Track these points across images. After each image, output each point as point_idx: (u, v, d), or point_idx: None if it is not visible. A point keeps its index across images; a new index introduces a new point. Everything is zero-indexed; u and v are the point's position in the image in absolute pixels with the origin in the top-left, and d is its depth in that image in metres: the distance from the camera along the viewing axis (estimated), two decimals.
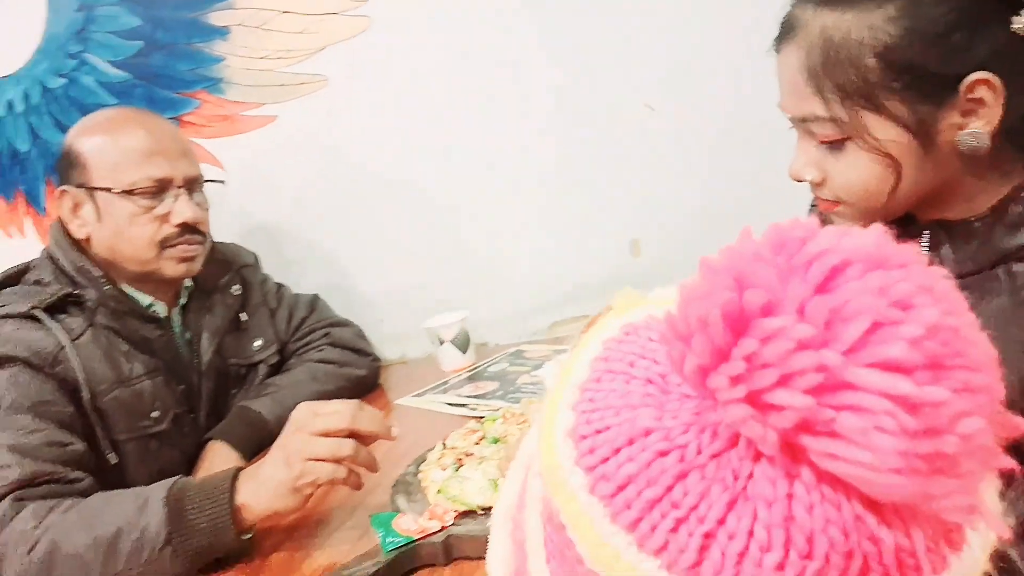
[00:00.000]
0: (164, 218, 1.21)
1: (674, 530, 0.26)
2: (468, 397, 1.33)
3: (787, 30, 0.75)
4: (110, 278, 1.22)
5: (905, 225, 0.81)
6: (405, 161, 1.68)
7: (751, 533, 0.26)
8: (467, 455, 0.96)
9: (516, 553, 0.37)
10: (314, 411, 0.91)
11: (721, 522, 0.26)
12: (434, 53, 1.62)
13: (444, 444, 1.02)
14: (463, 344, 1.53)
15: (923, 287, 0.25)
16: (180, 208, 1.21)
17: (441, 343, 1.53)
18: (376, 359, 1.58)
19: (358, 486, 0.91)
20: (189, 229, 1.23)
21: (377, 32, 1.61)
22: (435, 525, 0.82)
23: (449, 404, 1.33)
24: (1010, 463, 0.26)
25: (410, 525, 0.82)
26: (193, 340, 1.33)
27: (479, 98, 1.63)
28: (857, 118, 0.70)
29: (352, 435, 0.90)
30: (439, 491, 0.89)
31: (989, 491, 0.27)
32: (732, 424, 0.26)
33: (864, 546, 0.25)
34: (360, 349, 1.54)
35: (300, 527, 0.98)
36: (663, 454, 0.27)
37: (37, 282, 1.20)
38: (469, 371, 1.50)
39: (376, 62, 1.63)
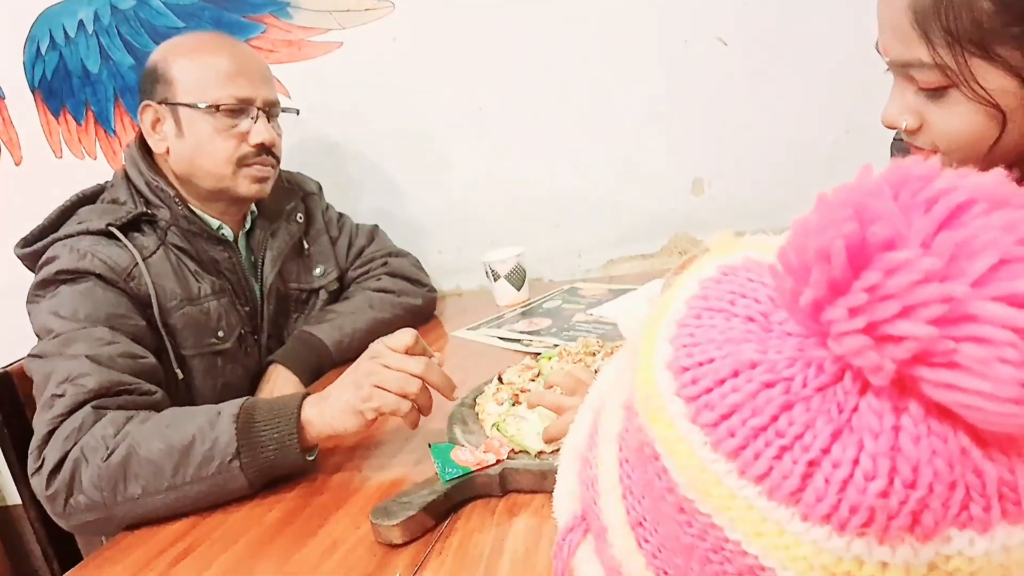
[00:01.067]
0: (243, 137, 1.25)
1: (778, 457, 0.27)
2: (522, 333, 1.34)
3: None
4: (182, 198, 1.26)
5: None
6: (468, 91, 1.67)
7: (856, 462, 0.26)
8: (522, 391, 0.97)
9: (584, 493, 0.38)
10: (391, 347, 0.95)
11: (826, 451, 0.26)
12: None
13: (500, 379, 1.04)
14: (518, 280, 1.54)
15: None
16: (258, 129, 1.25)
17: (496, 278, 1.54)
18: (432, 290, 1.60)
19: (414, 424, 0.94)
20: (265, 151, 1.27)
21: None
22: (491, 458, 0.84)
23: (503, 339, 1.34)
24: None
25: (468, 457, 0.84)
26: (257, 264, 1.37)
27: (545, 28, 1.60)
28: (965, 65, 0.66)
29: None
30: (495, 426, 0.91)
31: None
32: (847, 355, 0.27)
33: (968, 478, 0.26)
34: (417, 279, 1.56)
35: (359, 450, 1.02)
36: (769, 385, 0.28)
37: (113, 201, 1.24)
38: (523, 306, 1.51)
39: None
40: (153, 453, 0.93)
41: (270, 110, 1.28)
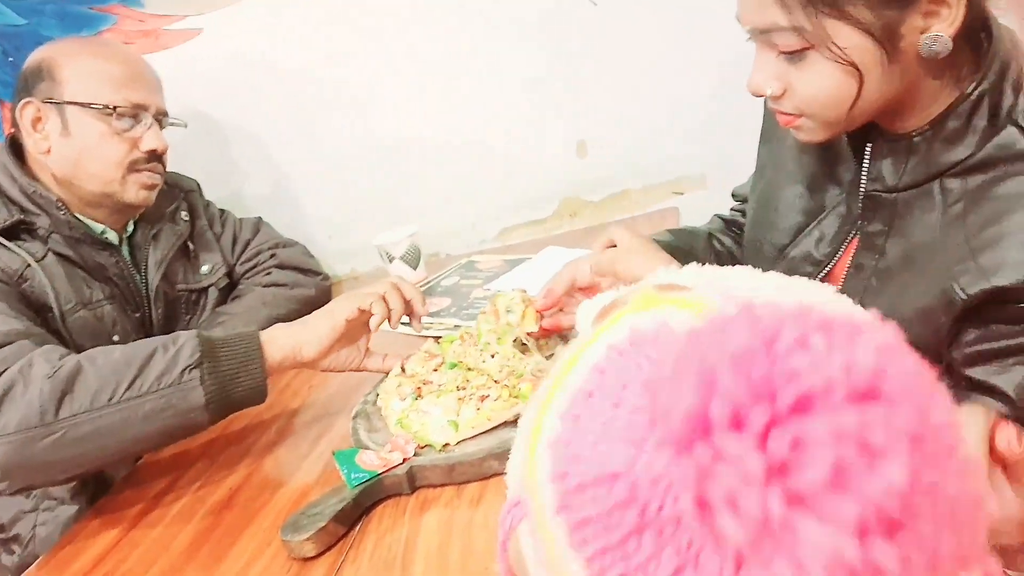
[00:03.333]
0: (134, 143, 1.22)
1: None
2: None
3: None
4: (64, 203, 1.20)
5: (853, 138, 0.81)
6: (343, 69, 1.62)
7: None
8: (425, 383, 0.97)
9: None
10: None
11: None
12: None
13: (403, 369, 1.03)
14: (413, 260, 1.53)
15: (904, 431, 0.23)
16: (151, 136, 1.23)
17: (391, 260, 1.53)
18: (326, 277, 1.57)
19: (378, 323, 1.03)
20: (155, 158, 1.25)
21: None
22: (397, 457, 0.84)
23: (404, 323, 1.33)
24: None
25: (373, 460, 0.84)
26: (140, 267, 1.32)
27: (417, 1, 1.57)
28: (820, 26, 0.68)
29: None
30: (399, 423, 0.91)
31: None
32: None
33: None
34: (308, 269, 1.53)
35: (264, 463, 1.01)
36: (624, 505, 0.28)
37: None
38: (422, 286, 1.50)
39: None
40: (111, 362, 0.90)
41: (161, 120, 1.27)
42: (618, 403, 0.30)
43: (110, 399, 0.88)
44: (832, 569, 0.22)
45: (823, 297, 0.39)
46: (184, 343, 0.93)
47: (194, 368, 0.91)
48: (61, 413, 0.87)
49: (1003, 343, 0.68)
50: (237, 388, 0.94)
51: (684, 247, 1.02)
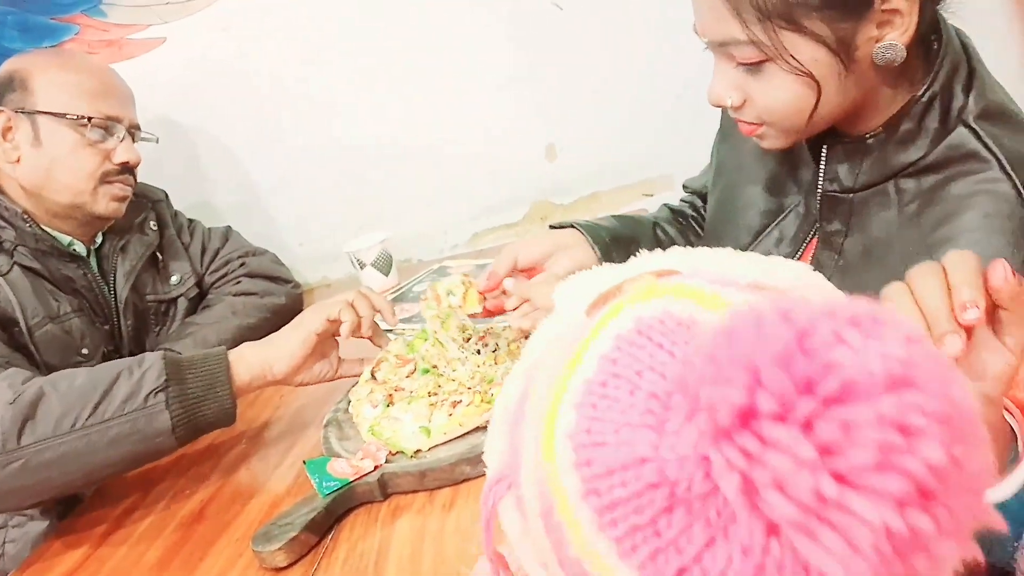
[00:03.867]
0: (106, 155, 1.22)
1: (652, 557, 0.29)
2: None
3: None
4: (30, 215, 1.19)
5: (810, 140, 0.83)
6: (311, 75, 1.62)
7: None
8: (397, 390, 0.97)
9: (511, 457, 0.39)
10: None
11: (697, 559, 0.28)
12: None
13: (374, 376, 1.03)
14: (385, 266, 1.53)
15: (938, 416, 0.25)
16: (124, 148, 1.24)
17: (362, 267, 1.53)
18: (297, 285, 1.56)
19: (350, 330, 1.01)
20: (127, 170, 1.25)
21: None
22: (369, 465, 0.85)
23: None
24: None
25: (345, 468, 0.84)
26: (109, 279, 1.31)
27: (385, 3, 1.57)
28: (777, 39, 0.69)
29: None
30: (371, 430, 0.91)
31: None
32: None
33: None
34: (278, 277, 1.52)
35: (234, 474, 1.00)
36: (654, 486, 0.29)
37: None
38: (393, 293, 1.50)
39: None
40: (75, 387, 0.89)
41: (134, 133, 1.27)
42: (634, 390, 0.31)
43: (73, 425, 0.87)
44: (878, 538, 0.24)
45: (802, 276, 0.41)
46: (150, 366, 0.91)
47: (159, 392, 0.89)
48: (23, 440, 0.85)
49: None
50: (204, 411, 0.93)
51: (629, 234, 1.03)
